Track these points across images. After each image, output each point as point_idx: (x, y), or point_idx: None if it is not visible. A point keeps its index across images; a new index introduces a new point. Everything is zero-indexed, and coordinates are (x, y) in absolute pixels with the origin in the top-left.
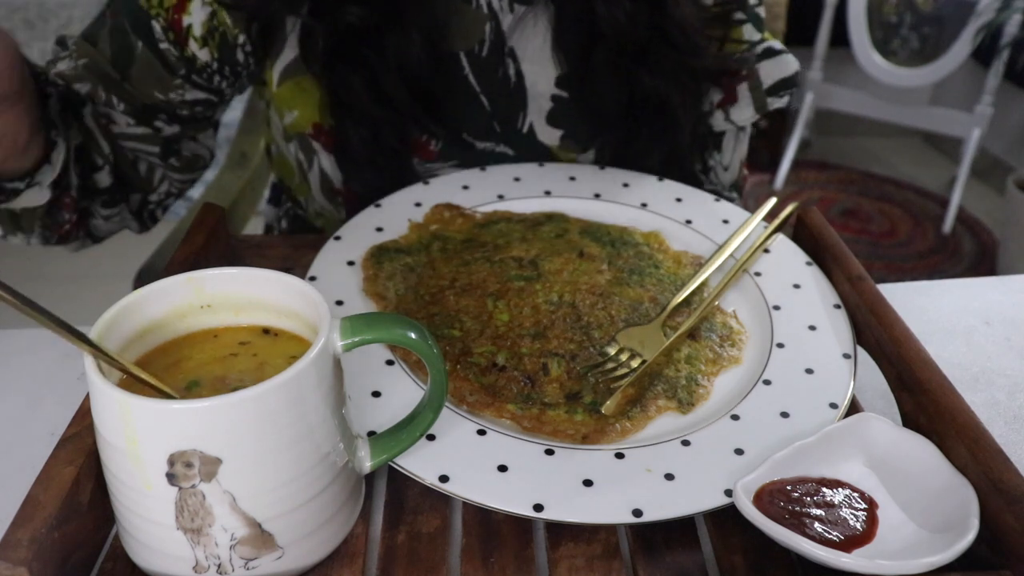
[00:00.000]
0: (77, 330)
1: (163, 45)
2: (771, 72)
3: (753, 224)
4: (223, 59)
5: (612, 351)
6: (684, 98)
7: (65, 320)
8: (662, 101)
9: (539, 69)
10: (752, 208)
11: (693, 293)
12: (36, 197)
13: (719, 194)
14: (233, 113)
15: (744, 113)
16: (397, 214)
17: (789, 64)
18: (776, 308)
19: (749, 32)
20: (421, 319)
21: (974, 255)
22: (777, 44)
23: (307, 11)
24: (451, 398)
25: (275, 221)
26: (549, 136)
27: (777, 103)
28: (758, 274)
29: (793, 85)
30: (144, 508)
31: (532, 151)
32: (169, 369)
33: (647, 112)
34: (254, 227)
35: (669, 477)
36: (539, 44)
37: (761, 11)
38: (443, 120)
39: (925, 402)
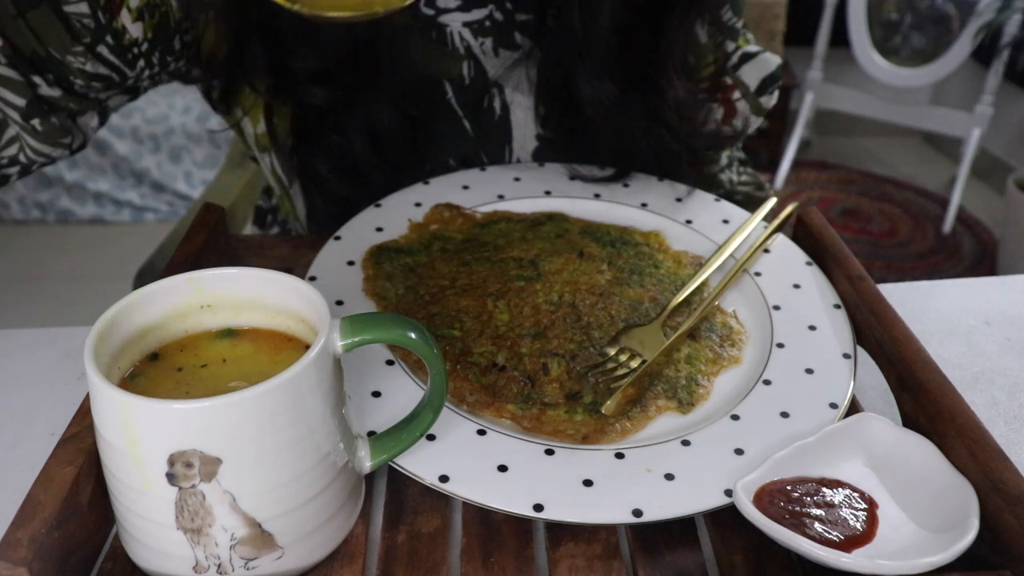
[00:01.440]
0: None
1: (73, 7)
2: (753, 74)
3: (753, 224)
4: (156, 41)
5: (612, 351)
6: (680, 151)
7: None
8: (656, 151)
9: (525, 104)
10: (752, 209)
11: (693, 293)
12: None
13: (720, 195)
14: None
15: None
16: (397, 214)
17: (768, 62)
18: (776, 308)
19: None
20: (421, 319)
21: (974, 255)
22: (752, 47)
23: (269, 91)
24: (451, 398)
25: None
26: None
27: (770, 101)
28: (758, 274)
29: (777, 79)
30: (144, 508)
31: None
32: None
33: (640, 158)
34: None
35: (669, 477)
36: (527, 86)
37: (736, 23)
38: (425, 158)
39: (925, 402)
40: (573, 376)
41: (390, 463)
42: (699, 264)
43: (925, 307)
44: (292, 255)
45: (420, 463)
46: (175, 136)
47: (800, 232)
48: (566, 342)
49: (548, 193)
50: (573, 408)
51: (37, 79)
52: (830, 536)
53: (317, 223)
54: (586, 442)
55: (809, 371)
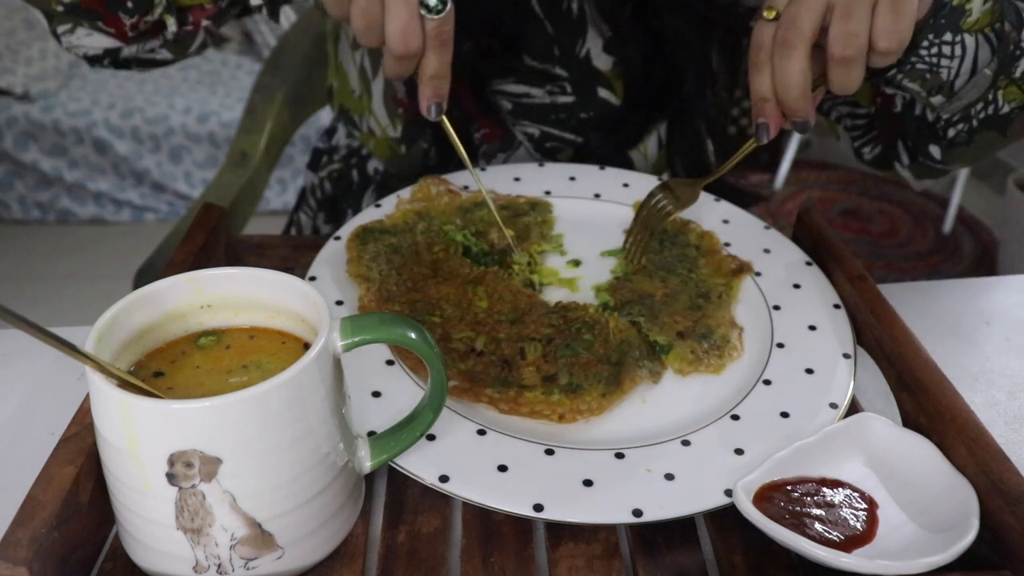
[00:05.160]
0: (70, 343)
1: None
2: None
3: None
4: None
5: (654, 198)
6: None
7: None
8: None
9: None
10: (754, 211)
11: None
12: None
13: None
14: (233, 113)
15: None
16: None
17: None
18: (776, 308)
19: None
20: (403, 305)
21: (974, 255)
22: None
23: None
24: None
25: (316, 185)
26: (603, 62)
27: None
28: (758, 274)
29: None
30: (144, 508)
31: (586, 75)
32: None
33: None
34: (254, 227)
35: (669, 477)
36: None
37: None
38: (514, 50)
39: (925, 402)
40: (549, 359)
41: (390, 463)
42: (737, 271)
43: (925, 307)
44: (292, 255)
45: (420, 463)
46: (175, 136)
47: (800, 232)
48: (542, 326)
49: (548, 193)
50: (549, 389)
51: None
52: (830, 536)
53: (390, 115)
54: (562, 420)
55: (809, 371)
